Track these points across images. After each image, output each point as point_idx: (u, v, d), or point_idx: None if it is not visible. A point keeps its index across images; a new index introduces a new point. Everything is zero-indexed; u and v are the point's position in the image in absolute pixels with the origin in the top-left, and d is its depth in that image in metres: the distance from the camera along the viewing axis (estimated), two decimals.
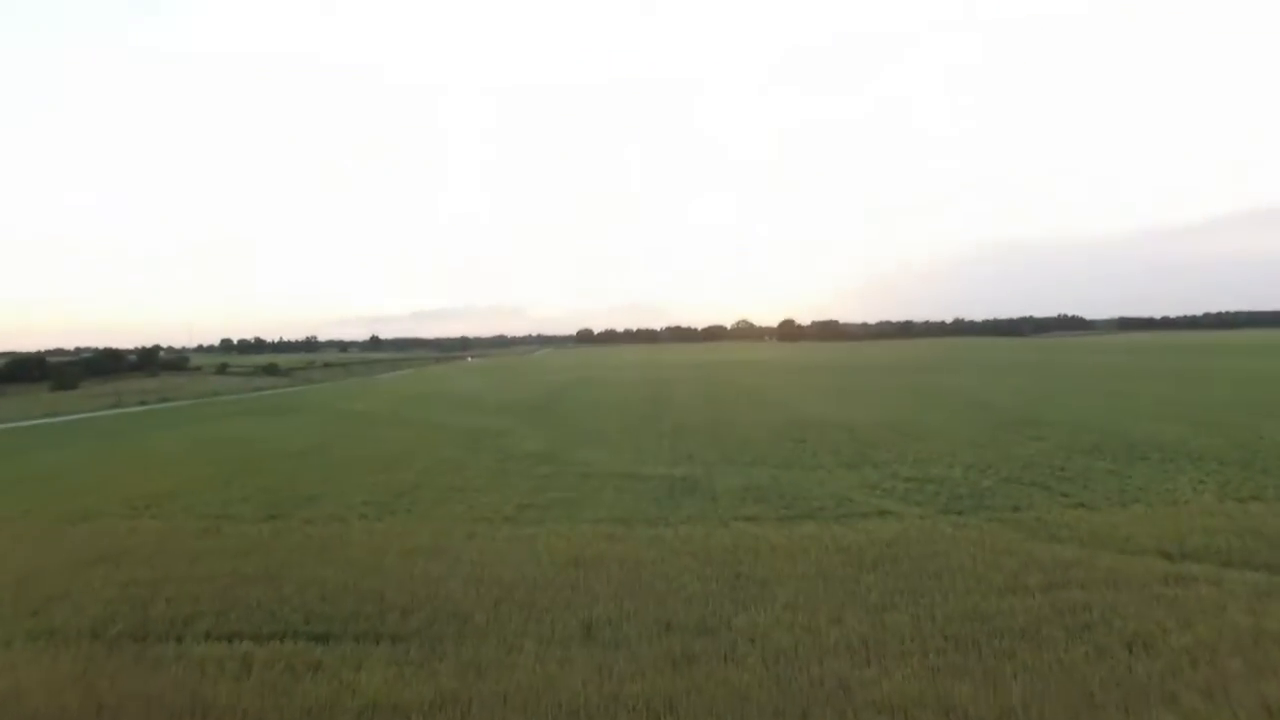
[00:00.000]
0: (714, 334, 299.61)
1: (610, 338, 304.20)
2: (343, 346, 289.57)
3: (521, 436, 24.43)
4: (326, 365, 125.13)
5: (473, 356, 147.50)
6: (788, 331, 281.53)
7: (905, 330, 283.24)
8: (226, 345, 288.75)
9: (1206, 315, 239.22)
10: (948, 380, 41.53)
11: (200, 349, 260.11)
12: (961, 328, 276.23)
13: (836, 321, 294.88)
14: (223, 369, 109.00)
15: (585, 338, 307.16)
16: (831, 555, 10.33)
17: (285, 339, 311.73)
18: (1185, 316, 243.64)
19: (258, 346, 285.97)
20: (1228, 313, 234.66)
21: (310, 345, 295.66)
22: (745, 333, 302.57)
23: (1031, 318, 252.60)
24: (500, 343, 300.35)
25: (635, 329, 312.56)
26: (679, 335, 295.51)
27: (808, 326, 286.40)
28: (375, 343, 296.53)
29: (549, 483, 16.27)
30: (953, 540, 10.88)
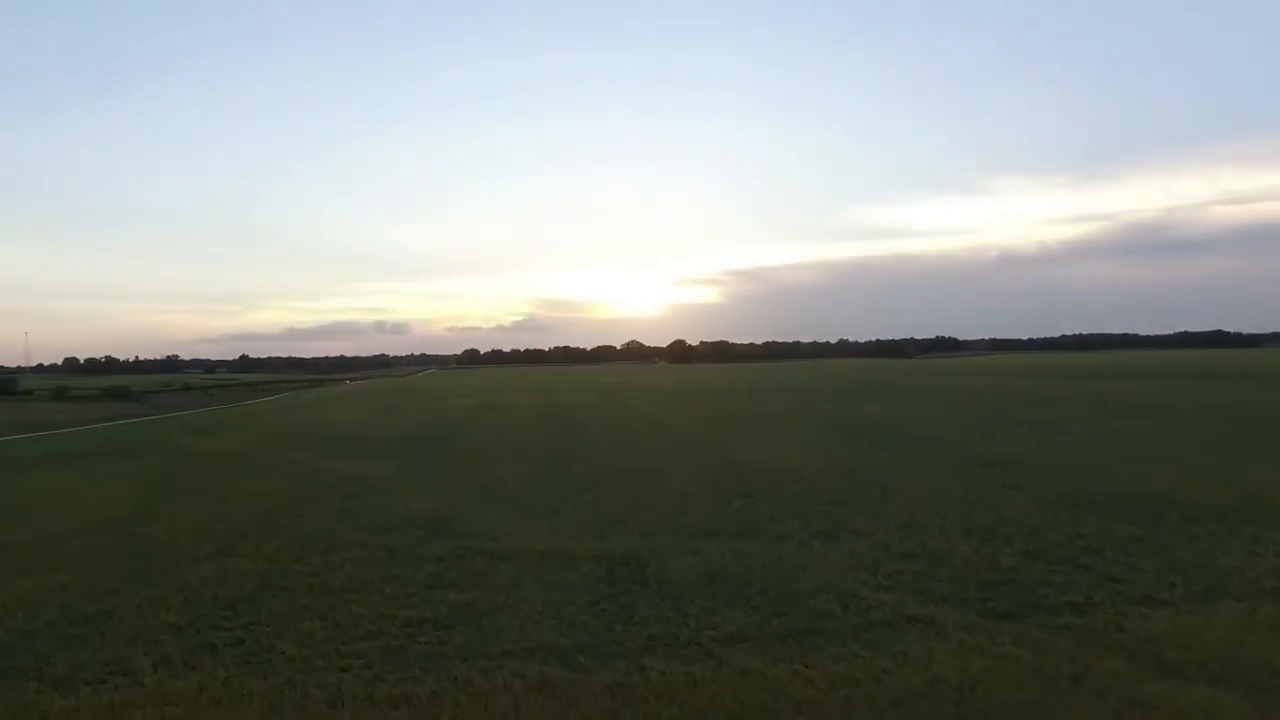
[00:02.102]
0: (603, 354, 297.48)
1: (497, 358, 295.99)
2: (209, 367, 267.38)
3: (408, 490, 20.01)
4: (186, 389, 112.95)
5: (352, 379, 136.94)
6: (678, 352, 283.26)
7: (793, 351, 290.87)
8: (71, 365, 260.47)
9: (1064, 337, 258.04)
10: (871, 410, 39.75)
11: (40, 369, 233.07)
12: (847, 349, 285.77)
13: (726, 342, 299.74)
14: (60, 393, 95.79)
15: (471, 358, 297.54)
16: None
17: (142, 358, 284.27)
18: (1045, 338, 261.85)
19: (109, 366, 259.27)
20: (1082, 335, 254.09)
21: (171, 365, 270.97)
22: (635, 353, 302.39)
23: (913, 339, 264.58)
24: (382, 363, 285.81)
25: (523, 349, 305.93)
26: (568, 356, 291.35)
27: (697, 347, 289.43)
28: (245, 363, 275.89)
29: (446, 574, 12.15)
30: (1046, 683, 7.67)
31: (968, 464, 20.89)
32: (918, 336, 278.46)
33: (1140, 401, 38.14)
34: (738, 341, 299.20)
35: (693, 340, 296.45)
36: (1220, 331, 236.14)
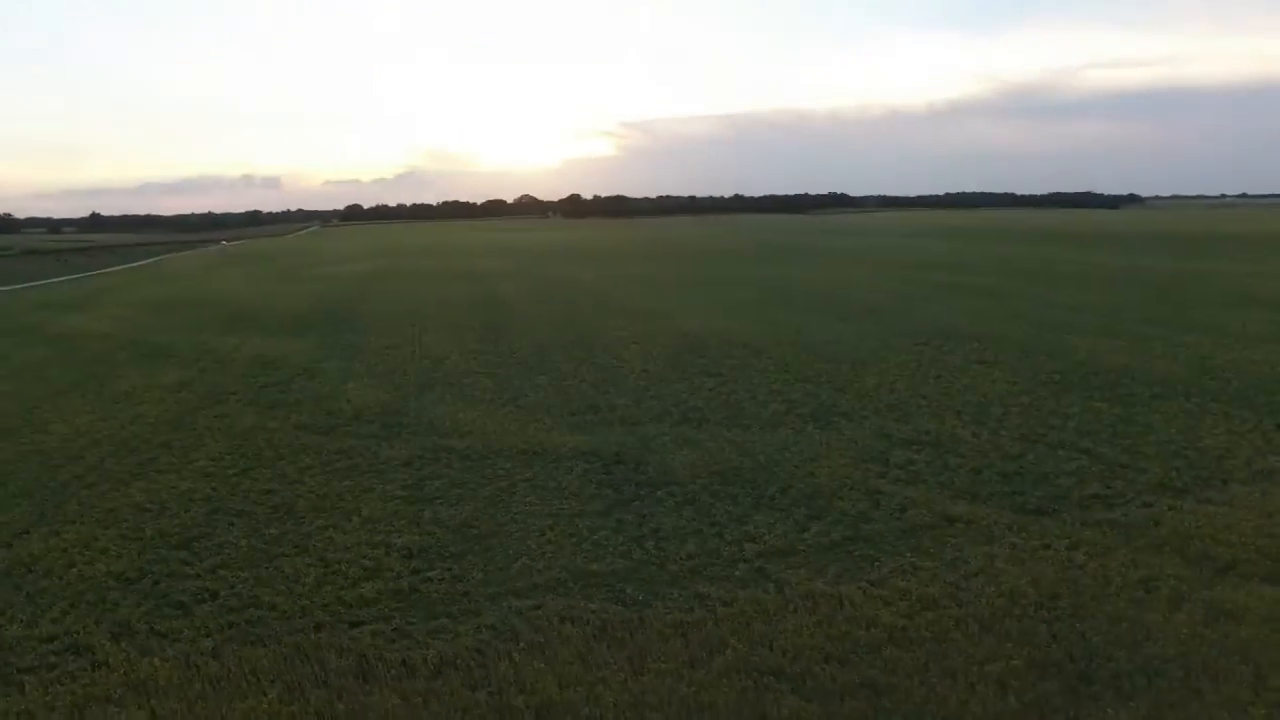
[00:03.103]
0: (495, 209, 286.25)
1: (382, 213, 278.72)
2: (53, 227, 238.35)
3: (339, 375, 18.11)
4: (31, 253, 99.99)
5: (228, 240, 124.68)
6: (574, 206, 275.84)
7: (690, 206, 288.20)
8: None
9: (947, 195, 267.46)
10: (798, 273, 39.49)
11: None
12: (744, 204, 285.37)
13: (623, 196, 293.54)
14: None
15: (354, 214, 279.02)
16: (995, 655, 6.39)
17: None
18: (931, 195, 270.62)
19: None
20: (965, 193, 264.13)
21: (4, 225, 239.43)
22: (529, 207, 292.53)
23: (807, 194, 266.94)
24: (254, 220, 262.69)
25: (409, 204, 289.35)
26: (457, 211, 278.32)
27: (592, 201, 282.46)
28: (96, 222, 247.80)
29: (424, 484, 10.84)
30: (1120, 592, 7.38)
31: (923, 335, 20.82)
32: (811, 192, 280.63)
33: (1055, 268, 39.45)
34: (633, 195, 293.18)
35: (587, 194, 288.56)
36: (1089, 193, 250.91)
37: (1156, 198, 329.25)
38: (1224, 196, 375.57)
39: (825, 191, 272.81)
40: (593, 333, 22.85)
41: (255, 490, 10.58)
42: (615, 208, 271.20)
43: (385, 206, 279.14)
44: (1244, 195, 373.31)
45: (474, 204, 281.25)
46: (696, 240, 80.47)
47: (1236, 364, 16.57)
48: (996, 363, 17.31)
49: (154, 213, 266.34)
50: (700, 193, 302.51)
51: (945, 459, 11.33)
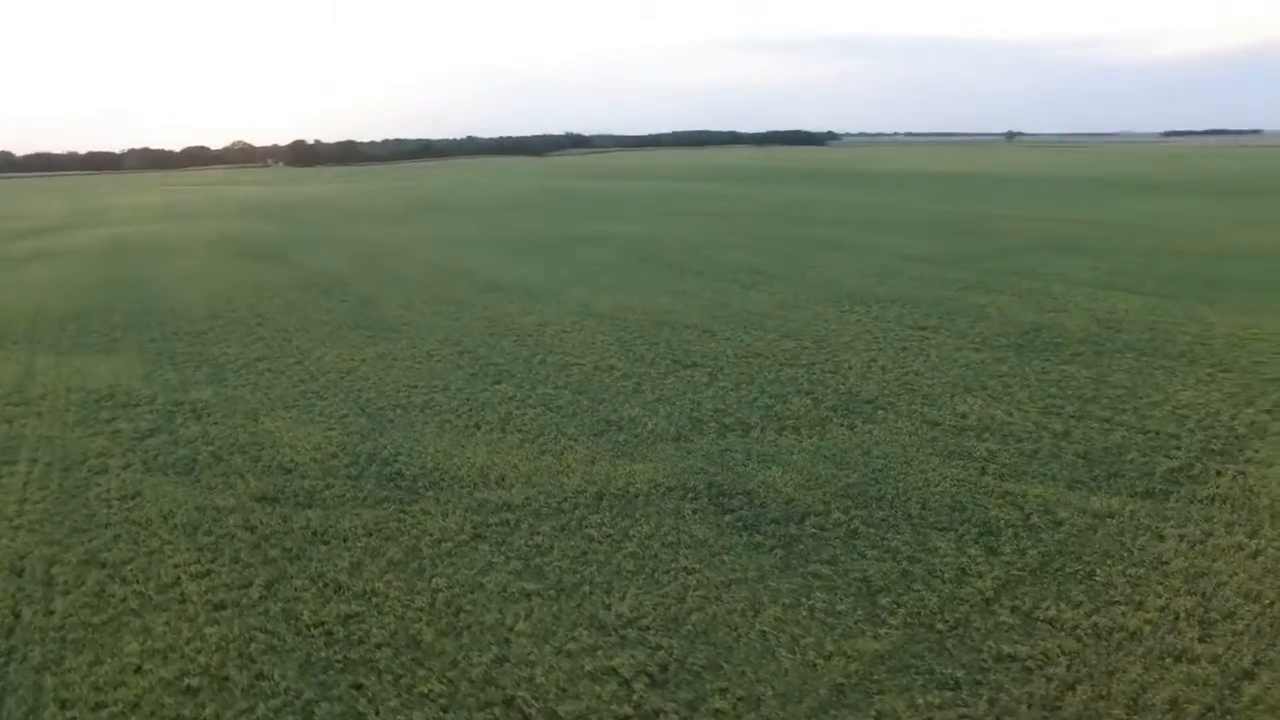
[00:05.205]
0: (198, 157, 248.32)
1: (48, 163, 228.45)
2: None
3: (237, 410, 14.50)
4: None
5: None
6: (301, 154, 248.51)
7: (426, 150, 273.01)
8: None
9: (676, 133, 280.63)
10: (623, 228, 38.39)
11: None
12: (479, 146, 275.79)
13: (354, 142, 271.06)
14: None
15: (8, 164, 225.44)
16: None
17: None
18: (659, 134, 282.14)
19: None
20: (688, 131, 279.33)
21: None
22: (243, 156, 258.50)
23: (545, 135, 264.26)
24: None
25: (84, 152, 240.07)
26: (151, 160, 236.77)
27: (318, 147, 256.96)
28: None
29: (541, 566, 9.07)
30: None
31: (835, 299, 21.48)
32: (547, 133, 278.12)
33: (860, 213, 42.67)
34: (364, 140, 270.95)
35: (311, 140, 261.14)
36: (798, 130, 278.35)
37: (848, 134, 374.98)
38: (895, 134, 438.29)
39: (561, 132, 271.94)
40: (498, 320, 20.49)
41: (327, 619, 7.91)
42: (347, 154, 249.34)
43: (50, 155, 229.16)
44: (910, 134, 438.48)
45: (172, 152, 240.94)
46: (477, 191, 75.93)
47: (1120, 315, 19.04)
48: (934, 327, 18.35)
49: None
50: (432, 135, 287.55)
51: (1014, 445, 11.75)
